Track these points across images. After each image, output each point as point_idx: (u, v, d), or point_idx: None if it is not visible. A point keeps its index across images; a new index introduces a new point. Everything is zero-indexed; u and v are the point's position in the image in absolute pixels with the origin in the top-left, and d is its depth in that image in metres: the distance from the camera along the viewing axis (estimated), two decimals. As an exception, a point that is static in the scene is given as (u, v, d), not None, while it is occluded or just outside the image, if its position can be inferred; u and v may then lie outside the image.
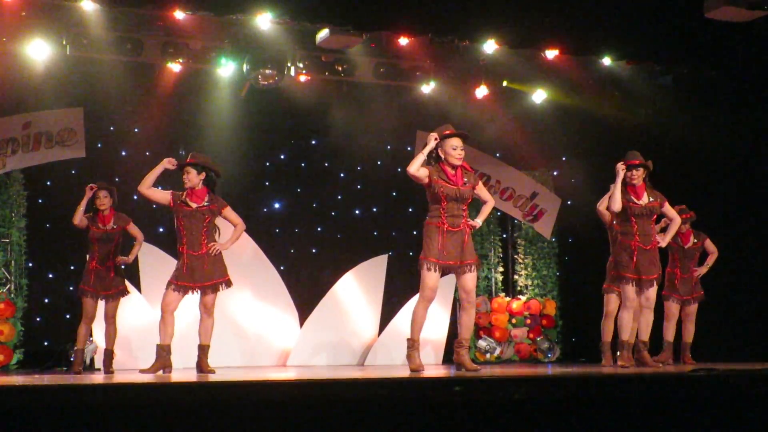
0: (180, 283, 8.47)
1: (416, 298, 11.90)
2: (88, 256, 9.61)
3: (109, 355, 9.57)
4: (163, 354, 8.50)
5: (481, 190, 7.89)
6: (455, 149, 7.64)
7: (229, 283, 8.65)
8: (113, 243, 9.57)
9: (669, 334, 10.36)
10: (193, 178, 8.55)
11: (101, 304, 9.60)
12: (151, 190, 8.55)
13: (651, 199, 8.64)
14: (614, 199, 8.56)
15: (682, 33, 10.55)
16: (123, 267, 9.70)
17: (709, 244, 10.58)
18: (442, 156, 7.66)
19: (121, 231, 9.61)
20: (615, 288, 9.62)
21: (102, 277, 9.47)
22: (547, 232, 13.82)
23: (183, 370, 10.27)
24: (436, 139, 7.59)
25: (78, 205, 9.45)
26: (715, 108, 11.71)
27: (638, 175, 8.62)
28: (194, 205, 8.52)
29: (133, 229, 9.72)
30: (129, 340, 10.67)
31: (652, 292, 8.63)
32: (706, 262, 10.58)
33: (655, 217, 8.75)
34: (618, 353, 8.82)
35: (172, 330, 8.53)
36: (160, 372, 8.46)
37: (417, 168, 7.62)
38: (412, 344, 7.69)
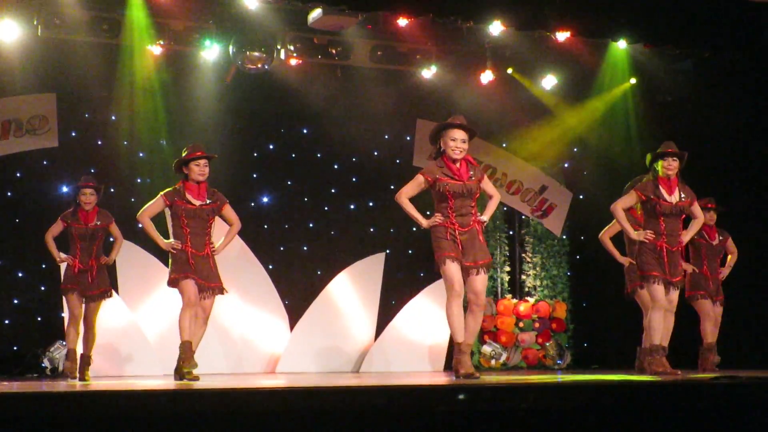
0: (191, 276, 8.40)
1: (416, 300, 12.09)
2: (69, 255, 9.59)
3: (85, 360, 9.58)
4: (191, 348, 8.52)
5: (487, 184, 7.93)
6: (454, 141, 7.69)
7: (223, 290, 8.67)
8: (97, 241, 9.57)
9: (709, 335, 10.33)
10: (207, 171, 8.53)
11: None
12: (148, 219, 8.59)
13: (682, 197, 8.64)
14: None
15: (703, 14, 10.57)
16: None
17: (731, 244, 10.59)
18: (443, 148, 7.72)
19: (104, 228, 9.62)
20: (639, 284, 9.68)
21: (85, 277, 9.47)
22: (557, 228, 13.84)
23: (164, 377, 10.28)
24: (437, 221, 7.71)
25: (49, 244, 9.54)
26: (739, 94, 11.72)
27: (675, 167, 8.63)
28: (197, 203, 8.48)
29: (115, 230, 9.73)
30: (105, 345, 10.66)
31: (675, 295, 8.67)
32: (728, 263, 10.60)
33: (683, 216, 8.76)
34: (649, 359, 8.74)
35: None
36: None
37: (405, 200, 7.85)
38: (459, 348, 7.72)
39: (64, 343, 10.33)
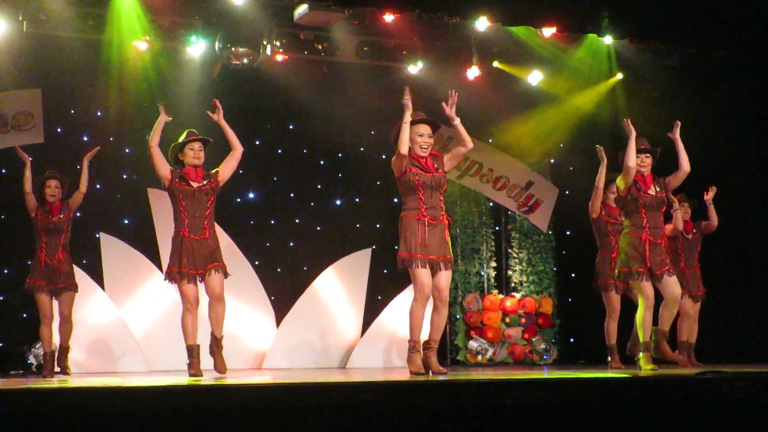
0: (186, 271, 8.27)
1: (402, 296, 12.09)
2: (35, 249, 9.61)
3: (64, 351, 9.58)
4: (198, 352, 8.44)
5: (450, 158, 8.01)
6: (421, 136, 7.81)
7: (226, 272, 8.48)
8: (62, 233, 9.61)
9: (684, 333, 10.40)
10: (203, 155, 8.49)
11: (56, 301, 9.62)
12: (158, 150, 8.37)
13: (659, 189, 8.68)
14: (629, 156, 8.58)
15: (689, 10, 10.58)
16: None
17: (705, 224, 10.60)
18: (410, 145, 7.79)
19: (69, 219, 9.65)
20: (613, 283, 9.79)
21: (51, 270, 9.48)
22: (543, 224, 13.85)
23: (150, 373, 10.27)
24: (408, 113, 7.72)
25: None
26: (725, 91, 11.74)
27: (648, 163, 8.67)
28: (195, 185, 8.40)
29: (77, 195, 9.70)
30: (91, 341, 10.65)
31: (673, 283, 8.58)
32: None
33: (664, 209, 8.77)
34: (641, 355, 8.74)
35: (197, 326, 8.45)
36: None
37: (407, 145, 7.72)
38: (413, 346, 7.79)
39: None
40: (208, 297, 8.39)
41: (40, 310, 9.58)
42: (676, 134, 8.82)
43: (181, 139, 8.52)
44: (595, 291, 10.28)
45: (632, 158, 8.59)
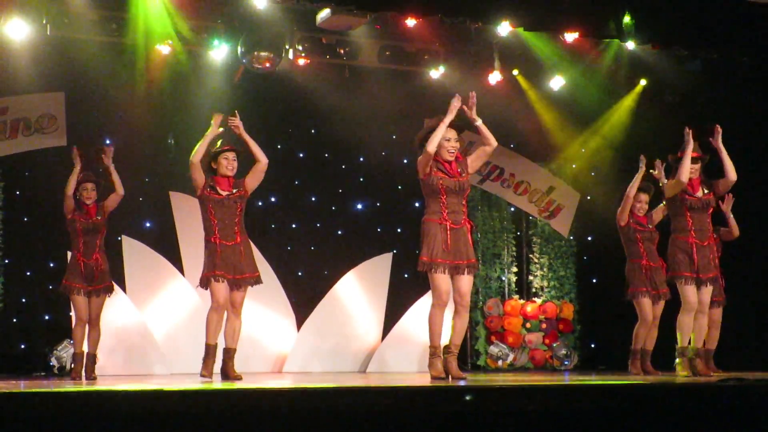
0: (220, 273, 8.44)
1: (422, 300, 12.08)
2: (71, 250, 9.65)
3: (92, 359, 9.60)
4: (214, 353, 8.54)
5: (475, 158, 7.94)
6: (449, 141, 7.71)
7: (259, 280, 8.73)
8: (99, 233, 9.66)
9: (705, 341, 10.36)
10: (236, 165, 8.61)
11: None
12: (199, 163, 8.56)
13: (706, 192, 8.68)
14: (684, 170, 8.54)
15: (711, 15, 10.55)
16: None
17: (725, 231, 10.52)
18: (437, 148, 7.75)
19: (105, 220, 9.69)
20: (644, 290, 9.72)
21: (89, 271, 9.53)
22: (564, 229, 13.82)
23: (171, 376, 10.29)
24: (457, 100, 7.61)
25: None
26: (747, 96, 11.70)
27: (696, 168, 8.69)
28: (224, 193, 8.56)
29: (113, 197, 9.72)
30: (113, 343, 10.67)
31: (706, 294, 8.63)
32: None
33: (710, 210, 8.76)
34: (678, 360, 8.71)
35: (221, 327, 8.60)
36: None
37: (436, 144, 7.59)
38: (434, 351, 7.78)
39: (71, 341, 10.34)
40: (227, 310, 8.51)
41: (75, 311, 9.64)
42: (719, 141, 8.75)
43: (213, 149, 8.62)
44: (626, 300, 10.13)
45: (686, 173, 8.54)
